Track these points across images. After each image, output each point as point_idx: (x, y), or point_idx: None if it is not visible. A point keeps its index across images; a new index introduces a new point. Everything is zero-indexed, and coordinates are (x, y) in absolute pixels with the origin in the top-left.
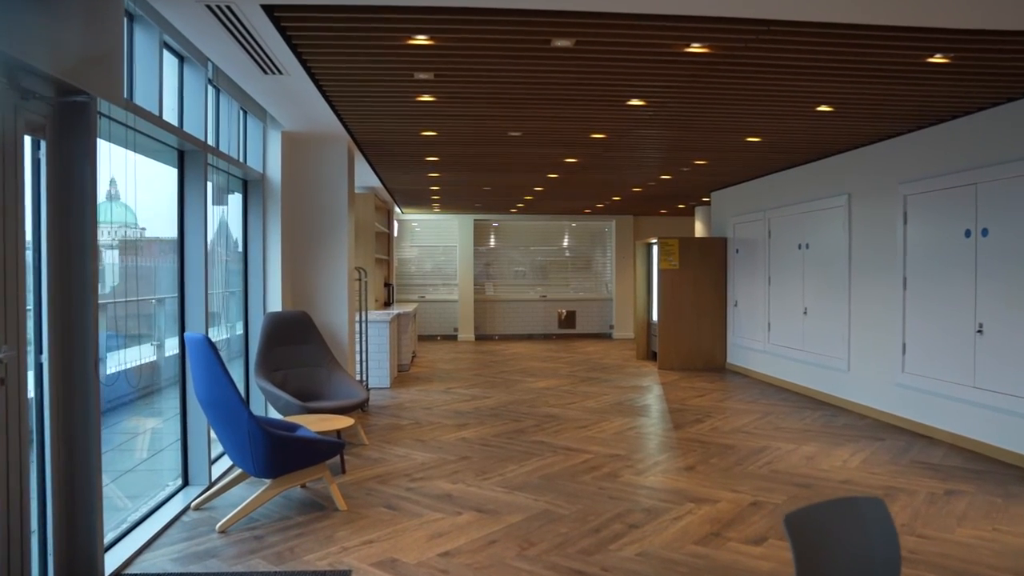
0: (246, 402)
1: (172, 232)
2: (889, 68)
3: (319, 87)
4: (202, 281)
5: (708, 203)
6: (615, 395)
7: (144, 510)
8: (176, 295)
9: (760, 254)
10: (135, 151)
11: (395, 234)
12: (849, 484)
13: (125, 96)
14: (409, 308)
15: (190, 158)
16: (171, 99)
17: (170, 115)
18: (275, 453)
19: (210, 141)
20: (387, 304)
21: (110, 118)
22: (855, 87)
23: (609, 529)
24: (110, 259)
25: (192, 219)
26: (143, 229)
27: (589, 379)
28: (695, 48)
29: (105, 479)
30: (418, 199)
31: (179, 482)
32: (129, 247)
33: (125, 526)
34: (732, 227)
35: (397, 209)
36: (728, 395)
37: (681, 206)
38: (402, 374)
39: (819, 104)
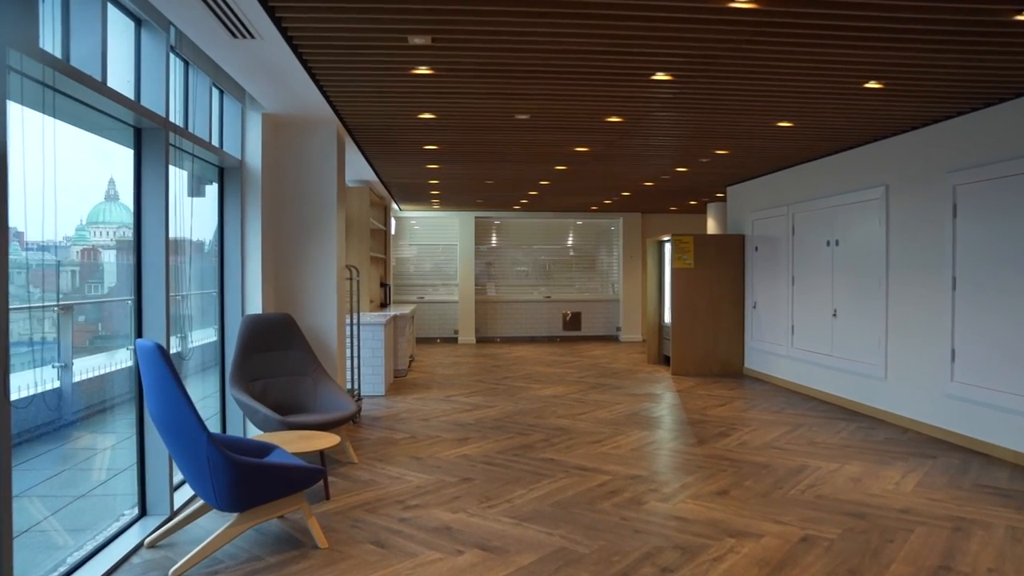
0: (203, 422)
1: (175, 232)
2: (963, 31)
3: (299, 56)
4: (162, 280)
5: (723, 199)
6: (628, 404)
7: (90, 547)
8: (133, 297)
9: (782, 252)
10: (83, 128)
11: (392, 232)
12: (910, 514)
13: (60, 57)
14: (407, 309)
15: (148, 137)
16: (127, 69)
17: (126, 88)
18: (240, 483)
19: (176, 119)
20: (383, 305)
21: (22, 74)
22: (915, 56)
23: (638, 574)
24: (107, 259)
25: (150, 207)
26: None
27: (599, 386)
28: (741, 2)
29: (45, 510)
30: (417, 195)
31: (135, 511)
32: (125, 247)
33: (62, 569)
34: (751, 224)
35: (395, 206)
36: (751, 404)
37: (693, 203)
38: (399, 380)
39: (868, 80)
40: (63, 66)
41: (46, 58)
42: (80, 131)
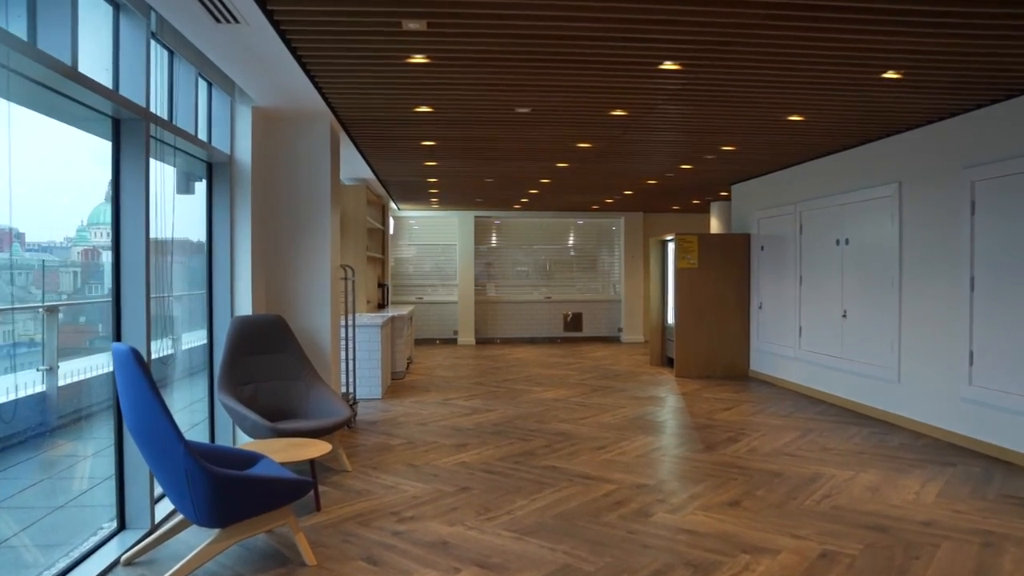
0: (180, 432)
1: (164, 233)
2: (989, 13)
3: (287, 43)
4: (142, 280)
5: (727, 197)
6: (632, 408)
7: (63, 564)
8: (112, 298)
9: (790, 251)
10: (55, 117)
11: (391, 232)
12: (934, 528)
13: (26, 39)
14: (405, 310)
15: (127, 128)
16: (105, 56)
17: (104, 76)
18: (221, 497)
19: (160, 111)
20: (381, 306)
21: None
22: (938, 43)
23: None
24: (107, 259)
25: (130, 202)
26: None
27: (601, 388)
28: None
29: (15, 525)
30: (415, 193)
31: (114, 525)
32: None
33: None
34: (756, 222)
35: (393, 205)
36: (758, 408)
37: (696, 202)
38: (396, 382)
39: (886, 69)
40: (25, 46)
41: (1, 35)
42: (81, 132)
